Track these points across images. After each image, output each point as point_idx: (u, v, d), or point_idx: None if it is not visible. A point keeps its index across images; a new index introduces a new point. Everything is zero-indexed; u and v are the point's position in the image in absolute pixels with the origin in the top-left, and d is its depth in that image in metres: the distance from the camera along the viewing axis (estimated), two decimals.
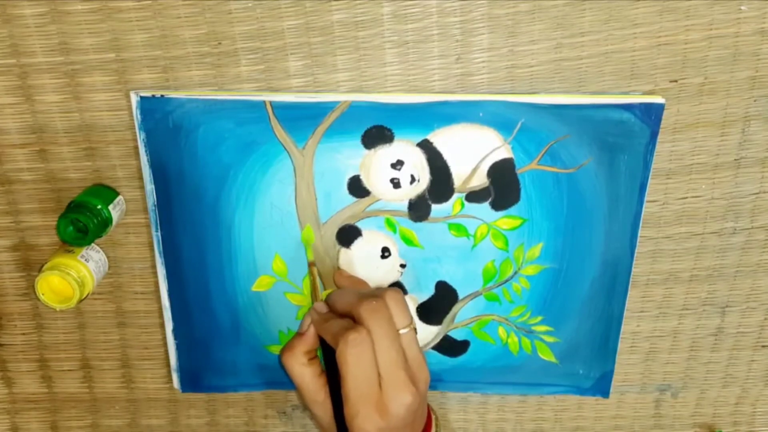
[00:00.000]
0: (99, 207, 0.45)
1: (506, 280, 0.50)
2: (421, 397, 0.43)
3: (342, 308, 0.44)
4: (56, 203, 0.48)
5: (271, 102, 0.45)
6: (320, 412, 0.45)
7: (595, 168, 0.47)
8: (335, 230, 0.48)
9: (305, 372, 0.45)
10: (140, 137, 0.45)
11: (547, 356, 0.52)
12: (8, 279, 0.51)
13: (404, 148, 0.46)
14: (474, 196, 0.48)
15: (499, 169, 0.47)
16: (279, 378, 0.53)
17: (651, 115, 0.45)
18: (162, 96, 0.44)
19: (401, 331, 0.43)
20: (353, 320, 0.42)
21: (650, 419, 0.56)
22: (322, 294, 0.49)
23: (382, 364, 0.41)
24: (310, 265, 0.49)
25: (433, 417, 0.48)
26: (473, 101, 0.45)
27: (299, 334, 0.46)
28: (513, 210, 0.48)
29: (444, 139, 0.46)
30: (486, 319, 0.51)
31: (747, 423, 0.56)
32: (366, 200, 0.48)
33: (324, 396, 0.45)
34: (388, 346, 0.41)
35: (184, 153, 0.46)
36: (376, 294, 0.43)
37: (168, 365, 0.53)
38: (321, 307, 0.46)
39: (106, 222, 0.45)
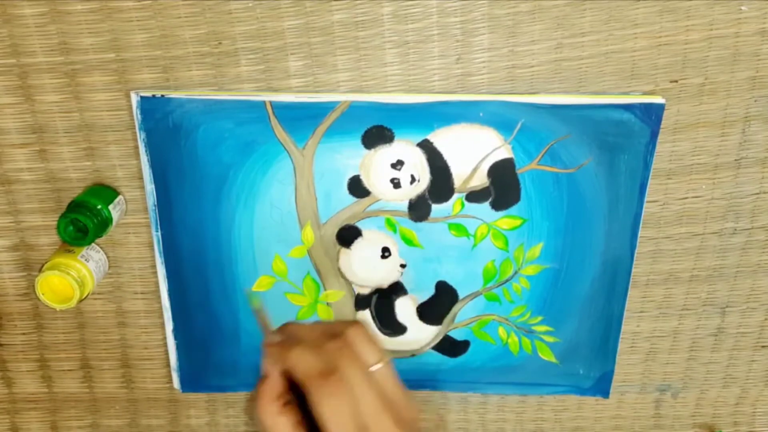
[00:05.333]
0: (99, 207, 0.45)
1: (506, 280, 0.50)
2: None
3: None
4: (56, 203, 0.48)
5: (271, 102, 0.45)
6: None
7: (595, 168, 0.47)
8: (335, 230, 0.48)
9: (281, 421, 0.37)
10: (140, 137, 0.45)
11: (547, 356, 0.52)
12: (8, 279, 0.51)
13: (404, 148, 0.46)
14: (474, 196, 0.48)
15: (499, 169, 0.47)
16: None
17: (651, 115, 0.45)
18: (162, 96, 0.44)
19: (373, 368, 0.37)
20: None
21: (650, 419, 0.56)
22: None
23: (362, 411, 0.35)
24: (258, 311, 0.41)
25: None
26: (473, 101, 0.45)
27: (263, 379, 0.38)
28: (513, 210, 0.48)
29: (444, 139, 0.46)
30: (486, 319, 0.51)
31: (747, 423, 0.56)
32: (366, 200, 0.48)
33: None
34: (364, 391, 0.36)
35: (184, 153, 0.46)
36: (337, 332, 0.37)
37: (168, 365, 0.53)
38: (273, 337, 0.39)
39: (106, 222, 0.45)
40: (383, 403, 0.36)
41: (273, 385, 0.37)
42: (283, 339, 0.38)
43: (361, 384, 0.36)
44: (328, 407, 0.35)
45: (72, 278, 0.44)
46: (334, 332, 0.37)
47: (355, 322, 0.38)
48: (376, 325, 0.51)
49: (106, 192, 0.46)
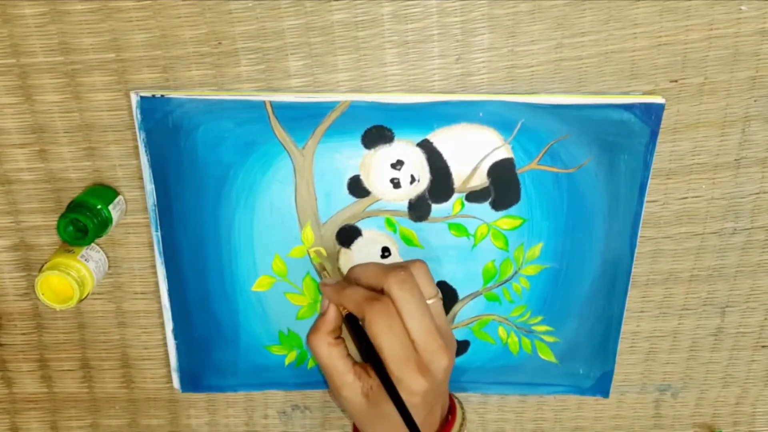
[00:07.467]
0: (99, 207, 0.45)
1: (506, 280, 0.50)
2: (452, 366, 0.44)
3: (367, 281, 0.44)
4: (56, 203, 0.48)
5: (271, 102, 0.45)
6: (350, 394, 0.44)
7: (595, 168, 0.47)
8: (335, 230, 0.48)
9: (333, 352, 0.44)
10: (140, 137, 0.45)
11: (547, 356, 0.52)
12: (8, 279, 0.51)
13: (404, 148, 0.46)
14: (474, 196, 0.48)
15: (499, 169, 0.47)
16: (279, 378, 0.53)
17: (651, 115, 0.45)
18: (162, 96, 0.44)
19: (429, 302, 0.43)
20: (380, 292, 0.42)
21: (650, 419, 0.56)
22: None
23: (416, 331, 0.41)
24: (319, 267, 0.49)
25: (456, 401, 0.48)
26: (473, 101, 0.45)
27: (321, 315, 0.46)
28: (513, 210, 0.48)
29: (444, 139, 0.46)
30: (486, 319, 0.51)
31: (747, 423, 0.56)
32: (366, 200, 0.48)
33: (353, 377, 0.43)
34: (421, 315, 0.42)
35: (184, 153, 0.46)
36: (402, 265, 0.44)
37: (168, 365, 0.53)
38: (329, 279, 0.47)
39: (106, 222, 0.45)
40: (435, 327, 0.42)
41: (328, 321, 0.45)
42: (340, 281, 0.45)
43: (419, 309, 0.42)
44: (378, 325, 0.41)
45: (72, 278, 0.44)
46: (399, 265, 0.43)
47: (418, 260, 0.45)
48: None
49: (106, 192, 0.46)
